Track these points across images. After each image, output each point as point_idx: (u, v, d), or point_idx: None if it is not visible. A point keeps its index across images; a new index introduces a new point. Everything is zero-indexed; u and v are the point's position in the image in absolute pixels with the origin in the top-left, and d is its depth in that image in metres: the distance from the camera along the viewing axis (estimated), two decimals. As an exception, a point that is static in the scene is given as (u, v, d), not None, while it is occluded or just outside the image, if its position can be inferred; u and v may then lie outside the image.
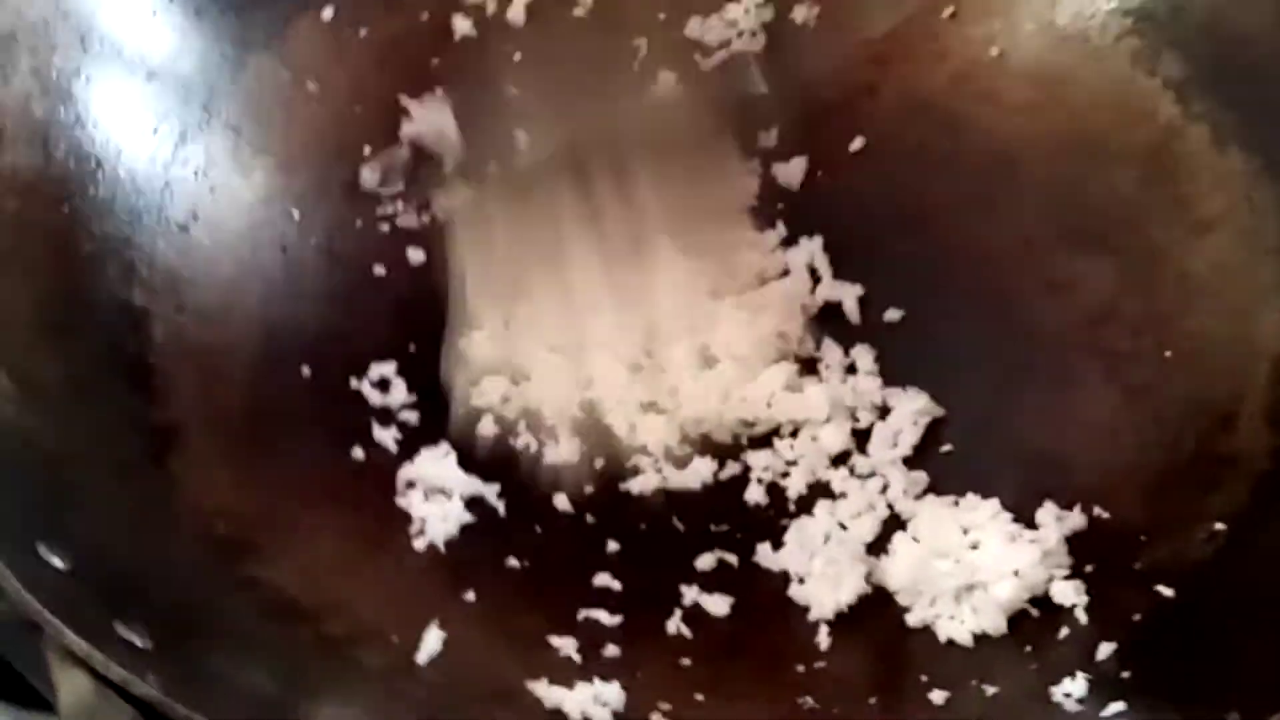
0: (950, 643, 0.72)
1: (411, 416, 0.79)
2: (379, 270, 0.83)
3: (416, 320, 0.82)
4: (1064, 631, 0.71)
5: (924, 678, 0.70)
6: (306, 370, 0.80)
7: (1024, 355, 0.80)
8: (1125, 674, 0.67)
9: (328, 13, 0.86)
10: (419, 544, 0.75)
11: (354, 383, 0.80)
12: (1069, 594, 0.72)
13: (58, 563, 0.61)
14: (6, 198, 0.73)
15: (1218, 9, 0.81)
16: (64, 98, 0.77)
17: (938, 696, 0.69)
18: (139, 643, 0.60)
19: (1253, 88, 0.80)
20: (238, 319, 0.79)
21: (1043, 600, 0.72)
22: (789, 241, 0.84)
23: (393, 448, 0.78)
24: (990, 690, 0.69)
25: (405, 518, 0.76)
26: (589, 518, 0.77)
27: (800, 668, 0.72)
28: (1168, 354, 0.79)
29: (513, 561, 0.75)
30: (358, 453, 0.78)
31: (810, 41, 0.89)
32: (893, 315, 0.82)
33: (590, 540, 0.76)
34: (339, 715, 0.65)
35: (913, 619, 0.73)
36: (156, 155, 0.80)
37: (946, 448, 0.78)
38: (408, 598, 0.73)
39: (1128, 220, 0.82)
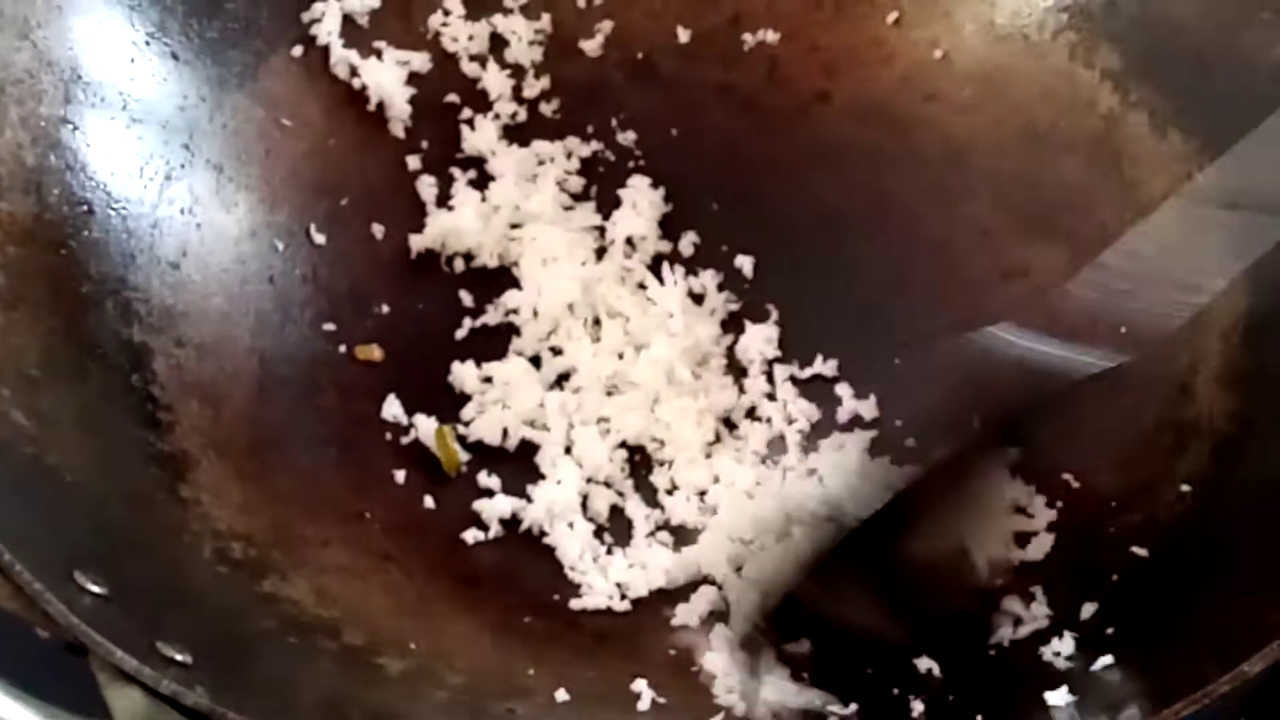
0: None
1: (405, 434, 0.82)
2: (364, 295, 0.86)
3: (404, 340, 0.85)
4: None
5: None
6: (302, 395, 0.82)
7: (987, 339, 0.84)
8: (1109, 630, 0.71)
9: (298, 50, 0.89)
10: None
11: (348, 404, 0.83)
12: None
13: (94, 589, 0.63)
14: (7, 243, 0.75)
15: (1148, 2, 0.85)
16: (53, 145, 0.79)
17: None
18: (180, 658, 0.62)
19: (1186, 74, 0.84)
20: (233, 349, 0.82)
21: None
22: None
23: (392, 462, 0.81)
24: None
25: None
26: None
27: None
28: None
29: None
30: (356, 469, 0.81)
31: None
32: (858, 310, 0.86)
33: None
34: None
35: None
36: (144, 196, 0.82)
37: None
38: (419, 604, 0.76)
39: (1076, 205, 0.85)
